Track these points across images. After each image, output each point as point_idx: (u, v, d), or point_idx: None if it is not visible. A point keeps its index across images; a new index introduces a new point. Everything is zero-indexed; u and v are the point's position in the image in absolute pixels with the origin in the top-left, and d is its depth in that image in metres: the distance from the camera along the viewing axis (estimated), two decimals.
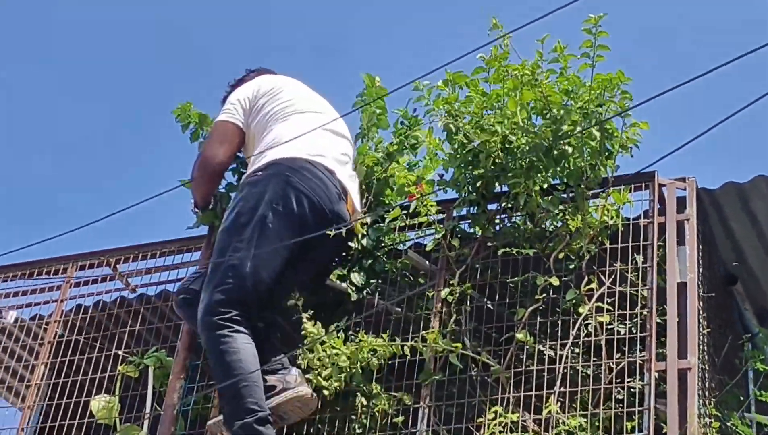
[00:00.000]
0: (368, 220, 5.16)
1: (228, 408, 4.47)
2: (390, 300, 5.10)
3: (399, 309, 5.09)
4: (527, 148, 4.94)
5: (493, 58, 5.05)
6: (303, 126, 4.90)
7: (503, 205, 5.10)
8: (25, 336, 5.78)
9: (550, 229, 5.02)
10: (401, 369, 4.89)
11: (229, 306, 4.55)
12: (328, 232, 4.70)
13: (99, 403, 5.29)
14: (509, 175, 5.00)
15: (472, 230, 5.21)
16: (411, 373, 4.88)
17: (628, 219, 4.91)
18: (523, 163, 4.97)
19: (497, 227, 5.16)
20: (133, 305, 5.68)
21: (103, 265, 5.76)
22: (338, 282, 5.15)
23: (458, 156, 5.13)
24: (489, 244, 5.10)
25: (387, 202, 5.31)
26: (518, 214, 5.08)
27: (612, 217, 4.92)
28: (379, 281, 5.17)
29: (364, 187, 5.27)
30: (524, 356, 4.74)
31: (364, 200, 5.24)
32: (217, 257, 4.67)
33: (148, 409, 5.20)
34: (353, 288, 5.14)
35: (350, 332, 5.00)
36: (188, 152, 5.39)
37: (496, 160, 5.06)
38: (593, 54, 4.91)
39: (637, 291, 4.75)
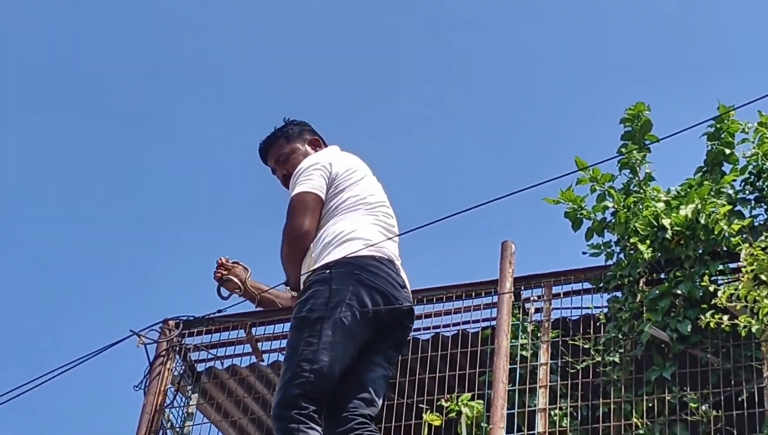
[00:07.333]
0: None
1: None
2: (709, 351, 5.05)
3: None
4: None
5: None
6: (368, 221, 4.91)
7: None
8: None
9: None
10: (740, 421, 4.85)
11: (306, 401, 4.54)
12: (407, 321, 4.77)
13: None
14: None
15: None
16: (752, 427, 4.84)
17: None
18: None
19: None
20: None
21: None
22: (659, 330, 5.09)
23: None
24: None
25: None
26: None
27: None
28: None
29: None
30: None
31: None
32: (290, 353, 4.68)
33: None
34: (675, 336, 5.08)
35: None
36: None
37: None
38: None
39: None
